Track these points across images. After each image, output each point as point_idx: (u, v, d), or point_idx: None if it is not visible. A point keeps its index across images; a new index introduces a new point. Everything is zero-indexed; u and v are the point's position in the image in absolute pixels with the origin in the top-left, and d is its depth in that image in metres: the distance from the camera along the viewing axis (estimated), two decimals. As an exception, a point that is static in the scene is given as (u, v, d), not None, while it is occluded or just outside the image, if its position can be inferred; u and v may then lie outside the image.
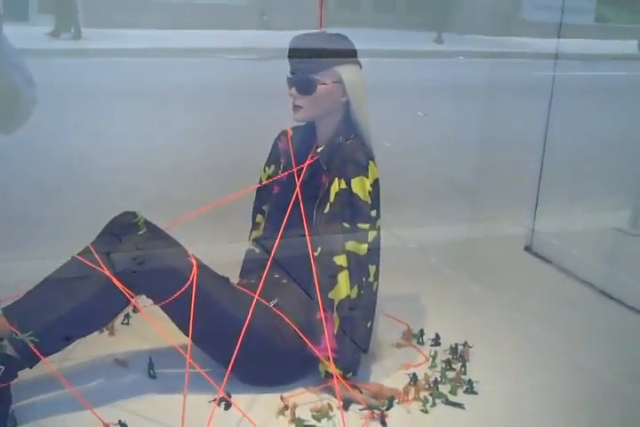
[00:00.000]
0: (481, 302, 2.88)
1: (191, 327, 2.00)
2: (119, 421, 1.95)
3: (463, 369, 2.37)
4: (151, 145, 4.44)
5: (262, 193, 2.42)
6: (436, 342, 2.56)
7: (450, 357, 2.45)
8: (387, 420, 2.09)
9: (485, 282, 2.97)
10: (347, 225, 2.14)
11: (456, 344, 2.50)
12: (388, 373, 2.35)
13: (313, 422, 2.07)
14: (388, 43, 10.43)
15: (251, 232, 2.51)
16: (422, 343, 2.56)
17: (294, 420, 2.06)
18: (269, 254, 2.28)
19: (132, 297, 2.00)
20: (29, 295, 2.02)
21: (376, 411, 2.11)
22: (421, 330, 2.58)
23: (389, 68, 8.06)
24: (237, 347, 2.03)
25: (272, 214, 2.36)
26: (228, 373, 2.04)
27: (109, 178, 3.89)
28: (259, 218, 2.47)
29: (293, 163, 2.28)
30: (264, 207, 2.44)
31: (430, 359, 2.43)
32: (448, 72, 9.22)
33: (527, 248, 3.36)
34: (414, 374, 2.29)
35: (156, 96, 5.71)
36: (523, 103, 5.54)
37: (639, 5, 13.56)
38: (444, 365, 2.41)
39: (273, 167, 2.39)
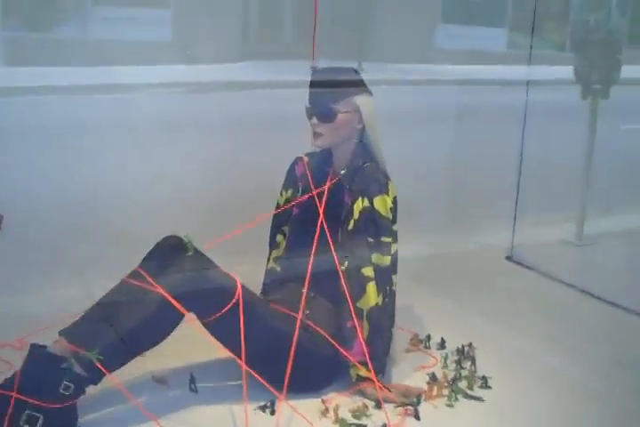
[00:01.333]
0: (471, 306, 3.13)
1: (243, 340, 2.16)
2: (182, 429, 2.09)
3: (474, 367, 2.59)
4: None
5: (282, 215, 2.60)
6: (442, 345, 2.78)
7: (459, 357, 2.67)
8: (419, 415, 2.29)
9: (474, 288, 3.24)
10: (371, 240, 2.35)
11: (462, 346, 2.72)
12: (406, 375, 2.55)
13: (354, 420, 2.25)
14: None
15: (270, 253, 2.69)
16: (429, 347, 2.78)
17: (338, 420, 2.24)
18: (293, 272, 2.47)
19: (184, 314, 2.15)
20: (86, 317, 2.16)
21: (409, 408, 2.31)
22: (428, 335, 2.81)
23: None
24: (290, 359, 2.20)
25: (294, 234, 2.55)
26: (286, 381, 2.19)
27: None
28: (279, 238, 2.65)
29: (312, 186, 2.48)
30: (284, 228, 2.63)
31: (442, 360, 2.64)
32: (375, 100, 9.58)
33: (508, 257, 3.66)
34: (433, 374, 2.51)
35: (82, 131, 5.63)
36: (453, 127, 5.93)
37: (549, 32, 14.36)
38: (455, 364, 2.63)
39: (290, 191, 2.59)
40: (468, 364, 2.63)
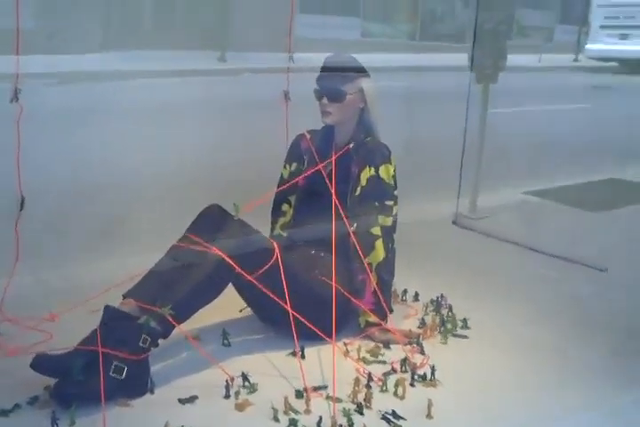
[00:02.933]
0: (425, 263, 3.57)
1: (287, 293, 2.47)
2: (242, 372, 2.39)
3: (451, 313, 3.03)
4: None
5: (288, 186, 2.91)
6: (417, 298, 3.20)
7: (436, 305, 3.10)
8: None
9: (432, 245, 3.71)
10: (377, 203, 2.73)
11: (437, 297, 3.15)
12: (397, 323, 2.94)
13: (374, 358, 2.63)
14: (174, 63, 10.72)
15: (275, 221, 2.99)
16: (405, 300, 3.19)
17: (360, 358, 2.61)
18: (300, 236, 2.81)
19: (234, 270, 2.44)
20: (146, 279, 2.42)
21: (414, 346, 2.71)
22: (405, 290, 3.21)
23: (181, 87, 8.46)
24: (312, 308, 2.54)
25: (303, 201, 2.88)
26: (334, 328, 2.51)
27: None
28: (285, 207, 2.96)
29: (317, 159, 2.82)
30: (289, 198, 2.94)
31: (423, 309, 3.07)
32: (240, 88, 9.85)
33: (454, 222, 4.17)
34: (423, 319, 2.93)
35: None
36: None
37: (401, 22, 15.15)
38: (435, 312, 3.05)
39: (295, 164, 2.91)
40: (445, 311, 3.06)
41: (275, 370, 2.53)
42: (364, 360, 2.61)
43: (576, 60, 15.31)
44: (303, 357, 2.60)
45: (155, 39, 12.98)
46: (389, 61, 13.08)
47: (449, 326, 2.92)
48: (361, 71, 2.76)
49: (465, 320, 2.95)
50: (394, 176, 2.76)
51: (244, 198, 2.63)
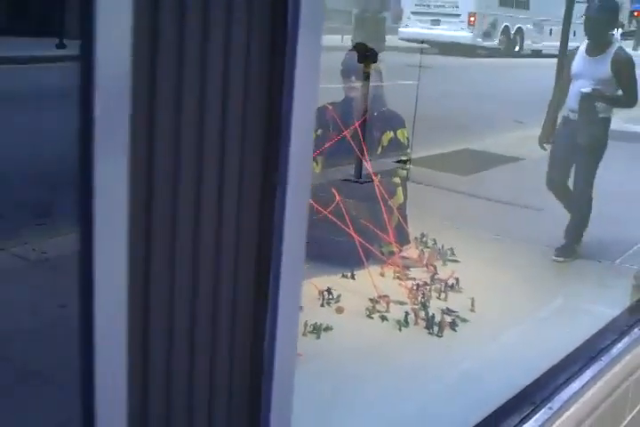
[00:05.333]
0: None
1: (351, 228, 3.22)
2: (327, 287, 3.12)
3: (439, 245, 3.90)
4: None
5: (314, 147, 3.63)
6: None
7: (423, 240, 3.95)
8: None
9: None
10: (396, 159, 3.53)
11: (420, 234, 4.00)
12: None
13: (403, 277, 3.45)
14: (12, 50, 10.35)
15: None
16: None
17: (396, 277, 3.42)
18: (327, 187, 3.56)
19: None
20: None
21: (430, 266, 3.56)
22: (392, 229, 4.03)
23: (31, 74, 8.29)
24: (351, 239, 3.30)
25: (330, 159, 3.61)
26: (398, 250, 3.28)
27: None
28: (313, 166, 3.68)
29: (342, 126, 3.57)
30: (316, 158, 3.66)
31: (415, 243, 3.92)
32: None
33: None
34: (422, 250, 3.78)
35: None
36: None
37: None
38: (424, 245, 3.91)
39: (321, 130, 3.63)
40: (431, 244, 3.92)
41: (341, 287, 3.26)
42: (401, 276, 3.42)
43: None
44: (353, 278, 3.36)
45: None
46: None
47: (448, 252, 3.78)
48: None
49: (452, 249, 3.83)
50: (408, 138, 3.57)
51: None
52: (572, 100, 3.90)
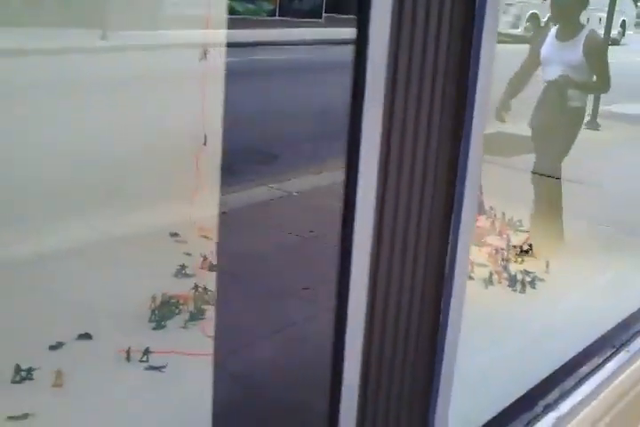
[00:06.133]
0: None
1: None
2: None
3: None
4: None
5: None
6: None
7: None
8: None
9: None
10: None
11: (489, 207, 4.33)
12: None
13: (482, 244, 3.78)
14: (57, 40, 10.73)
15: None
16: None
17: (475, 244, 3.76)
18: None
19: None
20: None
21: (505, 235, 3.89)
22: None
23: (80, 64, 8.56)
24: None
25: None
26: None
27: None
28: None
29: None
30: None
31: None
32: (136, 64, 10.41)
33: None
34: (493, 221, 4.12)
35: None
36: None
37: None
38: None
39: None
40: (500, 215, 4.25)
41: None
42: (476, 245, 3.76)
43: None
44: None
45: (21, 16, 13.08)
46: (254, 37, 14.03)
47: (517, 223, 4.11)
48: None
49: (520, 220, 4.16)
50: None
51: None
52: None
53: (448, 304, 1.59)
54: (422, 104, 1.36)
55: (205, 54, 4.14)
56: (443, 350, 1.59)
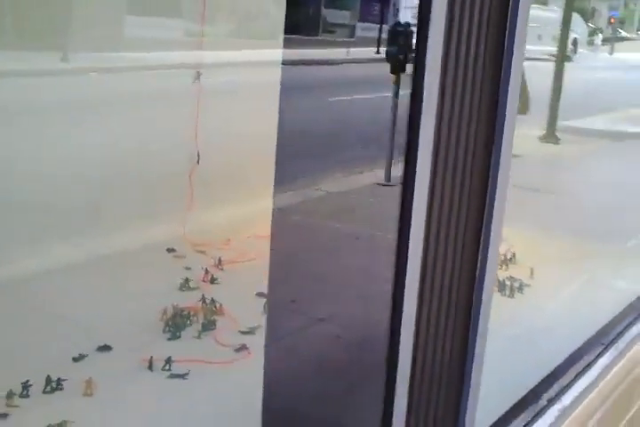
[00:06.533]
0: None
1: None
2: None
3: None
4: None
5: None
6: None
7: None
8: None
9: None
10: None
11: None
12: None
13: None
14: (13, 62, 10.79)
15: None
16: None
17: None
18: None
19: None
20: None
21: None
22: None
23: (32, 87, 8.46)
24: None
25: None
26: None
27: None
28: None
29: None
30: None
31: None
32: (94, 87, 10.43)
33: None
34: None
35: None
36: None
37: (220, 21, 16.27)
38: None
39: None
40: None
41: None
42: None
43: (378, 52, 17.28)
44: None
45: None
46: (213, 57, 14.18)
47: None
48: None
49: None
50: None
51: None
52: None
53: (478, 309, 1.78)
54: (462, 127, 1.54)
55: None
56: (474, 347, 1.78)
